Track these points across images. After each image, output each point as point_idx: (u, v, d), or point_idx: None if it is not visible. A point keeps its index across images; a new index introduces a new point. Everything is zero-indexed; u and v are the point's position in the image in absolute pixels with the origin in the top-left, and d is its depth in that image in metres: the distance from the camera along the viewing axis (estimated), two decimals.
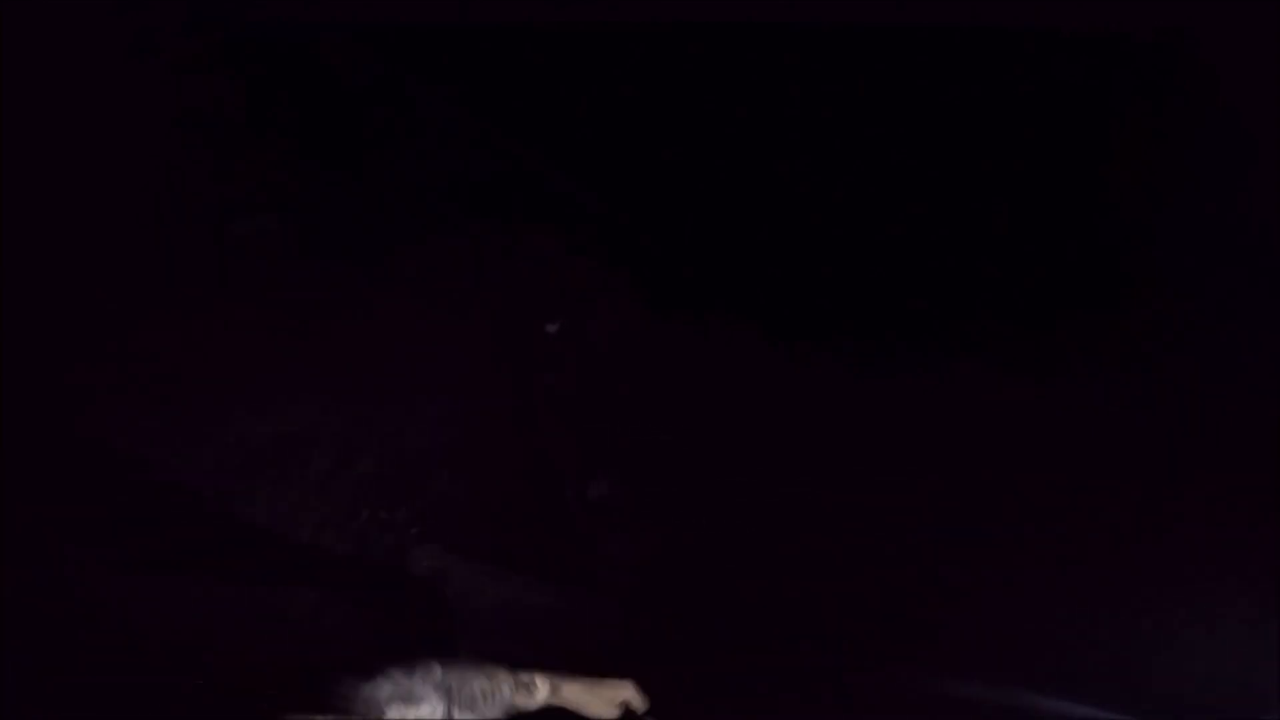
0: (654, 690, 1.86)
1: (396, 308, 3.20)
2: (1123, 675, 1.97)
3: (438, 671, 1.74)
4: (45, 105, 2.79)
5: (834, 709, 1.83)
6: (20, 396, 2.36)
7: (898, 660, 1.95)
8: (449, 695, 1.71)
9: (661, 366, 2.89)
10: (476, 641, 2.20)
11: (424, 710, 1.68)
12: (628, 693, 1.89)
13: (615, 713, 1.87)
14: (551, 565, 2.51)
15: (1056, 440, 2.47)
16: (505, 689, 1.79)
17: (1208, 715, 1.91)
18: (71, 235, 2.67)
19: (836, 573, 2.18)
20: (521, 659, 2.01)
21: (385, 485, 2.70)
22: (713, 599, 2.24)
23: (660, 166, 3.23)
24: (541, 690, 1.84)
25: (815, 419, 2.65)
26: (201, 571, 2.24)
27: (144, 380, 2.60)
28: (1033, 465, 2.41)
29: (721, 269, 3.04)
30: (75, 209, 2.69)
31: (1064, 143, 3.21)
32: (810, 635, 2.01)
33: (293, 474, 2.61)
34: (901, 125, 3.26)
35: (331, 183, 3.25)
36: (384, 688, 1.68)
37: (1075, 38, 3.18)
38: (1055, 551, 2.21)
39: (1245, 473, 2.30)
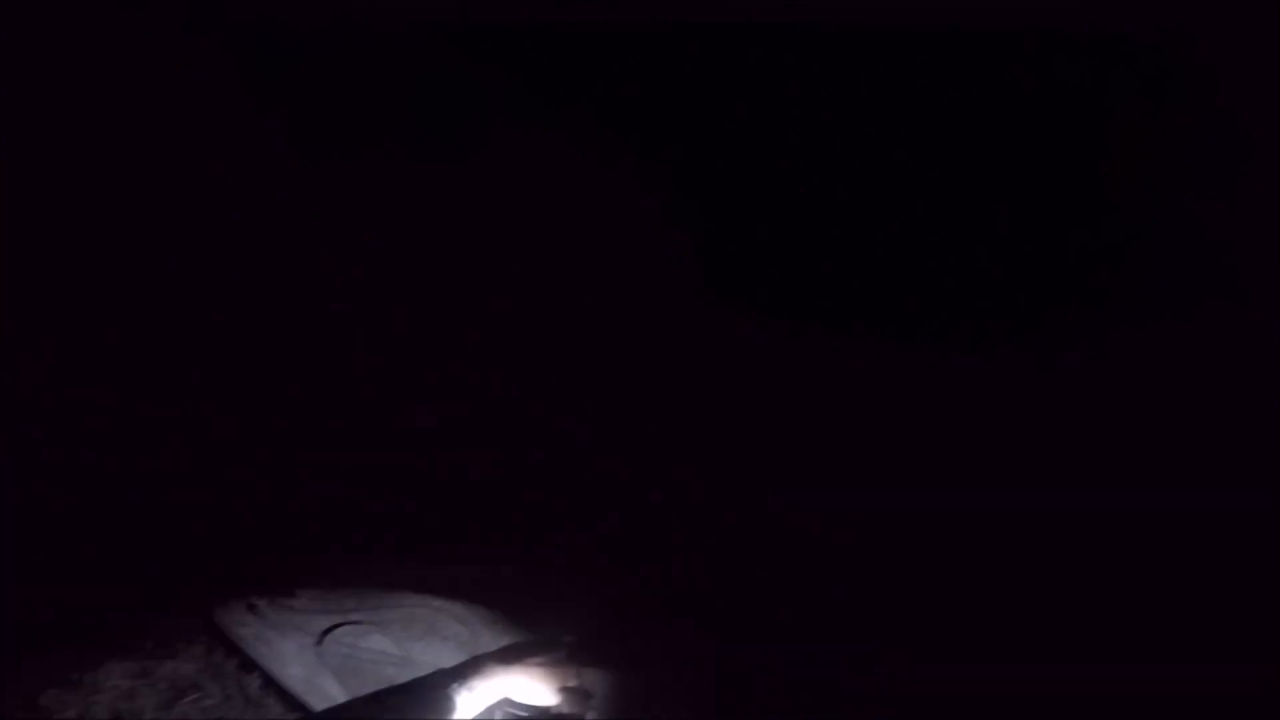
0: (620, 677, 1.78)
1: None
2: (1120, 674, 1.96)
3: None
4: (45, 105, 2.82)
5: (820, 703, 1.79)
6: None
7: (890, 658, 1.94)
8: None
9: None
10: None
11: None
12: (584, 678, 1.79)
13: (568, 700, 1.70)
14: (498, 536, 2.07)
15: (1055, 438, 2.47)
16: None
17: None
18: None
19: (837, 569, 2.15)
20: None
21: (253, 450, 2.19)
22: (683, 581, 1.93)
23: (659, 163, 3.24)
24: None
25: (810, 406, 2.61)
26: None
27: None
28: (1031, 463, 2.41)
29: (720, 258, 3.03)
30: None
31: (1064, 143, 3.21)
32: (802, 630, 1.97)
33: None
34: (902, 125, 3.26)
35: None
36: None
37: (1075, 38, 3.19)
38: (1056, 552, 2.21)
39: (1244, 473, 2.29)
